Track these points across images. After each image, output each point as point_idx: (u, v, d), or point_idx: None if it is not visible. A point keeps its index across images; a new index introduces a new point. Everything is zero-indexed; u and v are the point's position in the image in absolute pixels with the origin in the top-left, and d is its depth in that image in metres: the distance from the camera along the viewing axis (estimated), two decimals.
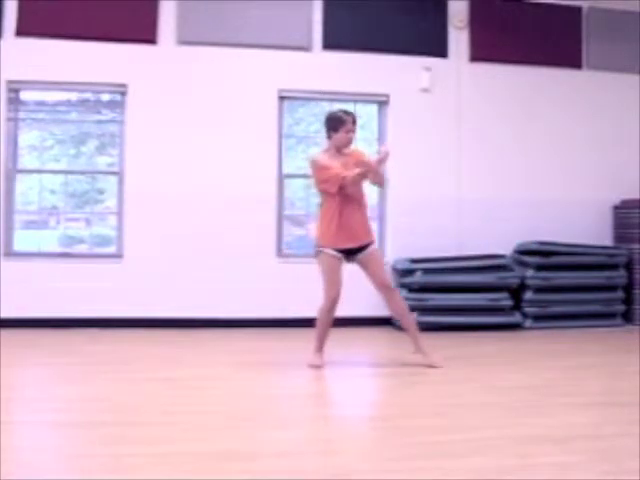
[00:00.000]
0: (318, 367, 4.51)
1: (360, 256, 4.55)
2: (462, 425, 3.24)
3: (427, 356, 4.59)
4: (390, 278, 4.80)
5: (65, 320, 6.08)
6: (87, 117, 6.61)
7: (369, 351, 5.59)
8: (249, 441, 2.95)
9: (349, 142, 4.57)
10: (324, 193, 4.53)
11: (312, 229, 4.57)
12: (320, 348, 4.58)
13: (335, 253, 4.49)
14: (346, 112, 4.61)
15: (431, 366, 4.52)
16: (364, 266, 4.58)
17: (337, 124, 4.53)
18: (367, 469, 2.66)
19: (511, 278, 6.50)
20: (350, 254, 4.55)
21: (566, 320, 6.58)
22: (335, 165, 4.46)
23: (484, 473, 2.55)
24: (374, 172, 4.42)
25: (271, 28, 6.57)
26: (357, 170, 4.38)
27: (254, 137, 6.55)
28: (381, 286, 4.57)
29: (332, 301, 4.49)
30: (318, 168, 4.50)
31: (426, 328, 6.19)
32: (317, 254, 4.58)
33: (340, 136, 4.54)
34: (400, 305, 4.62)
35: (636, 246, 6.80)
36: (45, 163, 6.60)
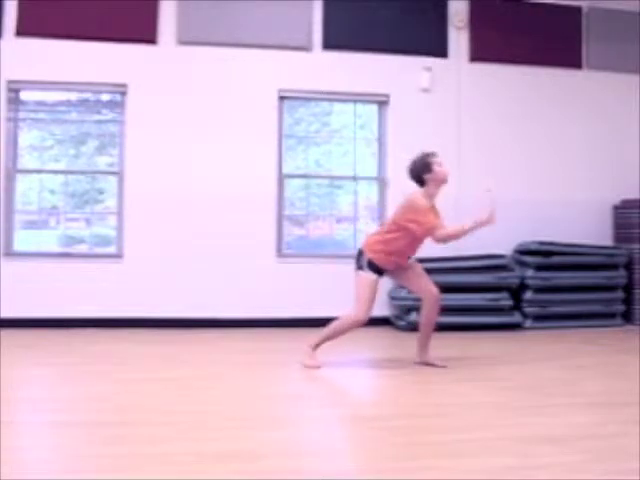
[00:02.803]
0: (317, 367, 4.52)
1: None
2: (462, 425, 3.24)
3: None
4: None
5: (65, 320, 6.08)
6: (87, 117, 6.61)
7: (369, 351, 5.59)
8: (249, 441, 2.95)
9: (447, 174, 4.52)
10: (404, 229, 4.49)
11: None
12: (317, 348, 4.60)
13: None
14: (427, 154, 4.54)
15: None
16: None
17: (426, 165, 4.49)
18: (367, 469, 2.66)
19: (511, 278, 6.50)
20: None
21: (566, 320, 6.58)
22: (431, 214, 4.46)
23: (484, 473, 2.55)
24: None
25: (271, 28, 6.57)
26: (467, 226, 4.43)
27: (254, 137, 6.56)
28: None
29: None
30: (420, 211, 4.45)
31: None
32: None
33: (437, 172, 4.48)
34: None
35: (636, 246, 6.80)
36: (45, 163, 6.60)
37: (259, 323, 6.36)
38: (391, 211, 6.73)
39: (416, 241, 4.56)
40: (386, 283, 6.50)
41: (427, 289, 4.67)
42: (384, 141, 6.91)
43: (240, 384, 4.11)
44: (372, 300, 4.50)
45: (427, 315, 4.65)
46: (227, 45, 6.52)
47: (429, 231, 4.44)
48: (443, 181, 4.55)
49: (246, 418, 3.34)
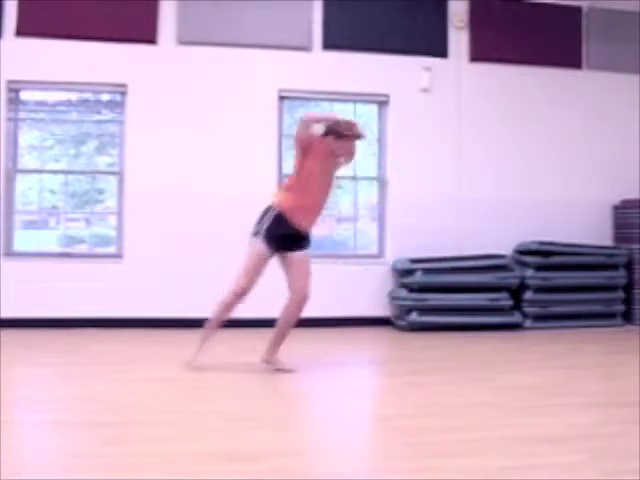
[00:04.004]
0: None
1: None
2: (462, 425, 3.23)
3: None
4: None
5: (65, 320, 6.07)
6: (87, 117, 6.61)
7: (369, 351, 5.58)
8: (249, 441, 2.95)
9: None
10: (302, 155, 4.28)
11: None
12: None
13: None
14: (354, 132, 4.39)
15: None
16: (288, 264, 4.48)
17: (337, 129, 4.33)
18: (367, 469, 2.66)
19: (511, 278, 6.50)
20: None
21: (566, 320, 6.58)
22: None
23: (484, 473, 2.55)
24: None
25: (271, 28, 6.57)
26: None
27: (254, 137, 6.55)
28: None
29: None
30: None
31: (426, 328, 6.21)
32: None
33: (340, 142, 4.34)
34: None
35: (636, 246, 6.80)
36: (45, 163, 6.60)
37: (259, 323, 6.34)
38: (391, 211, 6.81)
39: (322, 173, 4.32)
40: (386, 284, 6.51)
41: (300, 286, 4.48)
42: (384, 141, 6.91)
43: (240, 384, 4.12)
44: (258, 273, 4.36)
45: (287, 313, 4.48)
46: (227, 45, 6.51)
47: (302, 125, 4.22)
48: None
49: (246, 418, 3.34)
